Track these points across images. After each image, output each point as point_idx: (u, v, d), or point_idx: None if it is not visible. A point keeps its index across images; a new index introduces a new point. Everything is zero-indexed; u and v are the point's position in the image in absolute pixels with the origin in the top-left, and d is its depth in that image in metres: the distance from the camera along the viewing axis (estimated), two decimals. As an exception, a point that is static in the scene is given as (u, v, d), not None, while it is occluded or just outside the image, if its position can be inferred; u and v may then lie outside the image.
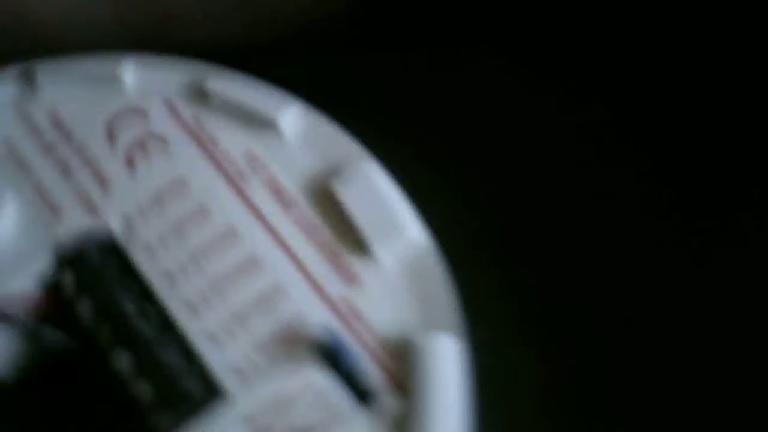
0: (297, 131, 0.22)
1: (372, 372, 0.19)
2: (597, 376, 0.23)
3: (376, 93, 0.26)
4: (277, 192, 0.21)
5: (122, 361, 0.20)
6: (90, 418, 0.21)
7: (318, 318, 0.20)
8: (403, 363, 0.19)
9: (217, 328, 0.20)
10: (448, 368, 0.18)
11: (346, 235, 0.21)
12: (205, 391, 0.19)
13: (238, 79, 0.23)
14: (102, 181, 0.22)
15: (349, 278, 0.20)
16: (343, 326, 0.19)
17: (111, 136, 0.23)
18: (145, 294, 0.20)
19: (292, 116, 0.22)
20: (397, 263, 0.20)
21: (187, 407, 0.19)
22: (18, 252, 0.21)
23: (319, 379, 0.19)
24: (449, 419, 0.18)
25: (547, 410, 0.22)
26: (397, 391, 0.19)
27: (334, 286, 0.20)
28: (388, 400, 0.18)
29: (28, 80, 0.23)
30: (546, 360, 0.24)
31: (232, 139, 0.22)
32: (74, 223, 0.21)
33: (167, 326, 0.20)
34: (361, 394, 0.19)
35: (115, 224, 0.21)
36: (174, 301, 0.20)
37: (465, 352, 0.19)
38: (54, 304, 0.21)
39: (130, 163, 0.22)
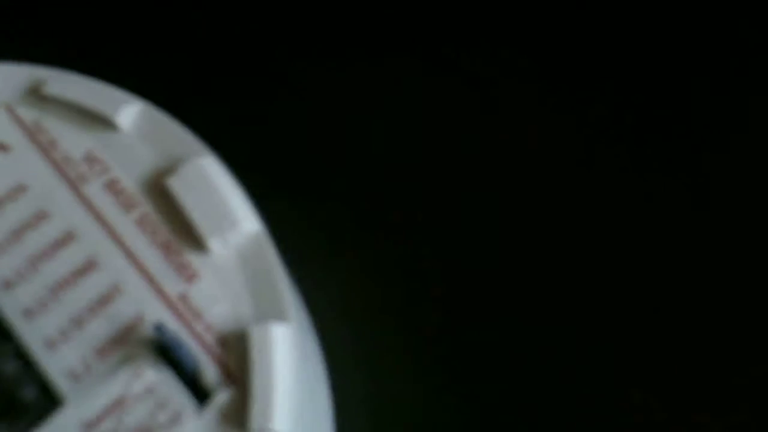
0: (136, 128, 0.22)
1: (209, 368, 0.19)
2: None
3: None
4: (117, 192, 0.21)
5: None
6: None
7: (156, 317, 0.20)
8: (238, 356, 0.19)
9: (55, 333, 0.20)
10: (278, 356, 0.18)
11: (183, 231, 0.21)
12: (43, 399, 0.19)
13: (78, 80, 0.23)
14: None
15: (188, 275, 0.20)
16: (181, 324, 0.19)
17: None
18: (-18, 303, 0.20)
19: (131, 113, 0.22)
20: (233, 255, 0.20)
21: (24, 416, 0.19)
22: None
23: (156, 380, 0.19)
24: (279, 405, 0.18)
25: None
26: (233, 385, 0.19)
27: (173, 284, 0.20)
28: (225, 395, 0.18)
29: None
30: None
31: (72, 141, 0.22)
32: None
33: (4, 334, 0.20)
34: (199, 392, 0.19)
35: (-49, 233, 0.21)
36: (10, 309, 0.20)
37: (298, 339, 0.19)
38: None
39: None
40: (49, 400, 0.19)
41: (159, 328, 0.19)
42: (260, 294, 0.20)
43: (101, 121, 0.22)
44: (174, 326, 0.19)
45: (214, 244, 0.20)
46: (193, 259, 0.20)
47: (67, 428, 0.19)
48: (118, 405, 0.19)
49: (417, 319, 0.23)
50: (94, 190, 0.21)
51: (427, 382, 0.23)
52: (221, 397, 0.19)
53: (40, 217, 0.21)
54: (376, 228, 0.24)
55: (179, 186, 0.21)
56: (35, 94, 0.23)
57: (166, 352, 0.19)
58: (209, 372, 0.19)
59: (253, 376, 0.18)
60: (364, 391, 0.21)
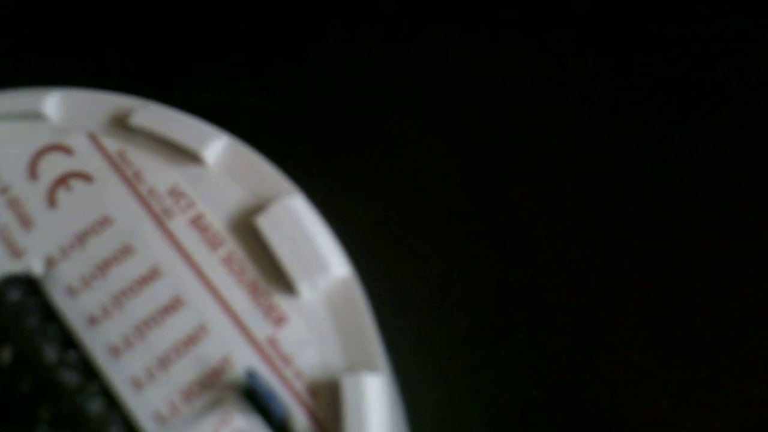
0: (222, 165, 0.22)
1: (299, 417, 0.19)
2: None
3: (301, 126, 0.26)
4: (203, 229, 0.21)
5: (43, 413, 0.19)
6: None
7: (245, 361, 0.19)
8: (328, 406, 0.19)
9: (141, 373, 0.19)
10: (370, 407, 0.18)
11: (271, 272, 0.20)
12: (129, 439, 0.19)
13: (164, 112, 0.23)
14: (24, 222, 0.21)
15: (276, 318, 0.20)
16: (270, 369, 0.19)
17: (33, 173, 0.22)
18: (67, 340, 0.20)
19: (218, 149, 0.22)
20: (323, 301, 0.20)
21: (110, 457, 0.18)
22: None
23: (245, 427, 0.18)
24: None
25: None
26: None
27: (261, 327, 0.20)
28: (313, 444, 0.18)
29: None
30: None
31: (157, 174, 0.22)
32: (-4, 265, 0.21)
33: (90, 373, 0.19)
34: (288, 437, 0.18)
35: (37, 266, 0.21)
36: (96, 346, 0.20)
37: (389, 388, 0.19)
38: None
39: (52, 201, 0.22)
40: (135, 443, 0.19)
41: (250, 375, 0.18)
42: (350, 341, 0.19)
43: (187, 155, 0.22)
44: (263, 371, 0.19)
45: (304, 288, 0.20)
46: (281, 301, 0.20)
47: (154, 473, 0.18)
48: (206, 451, 0.18)
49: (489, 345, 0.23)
50: (180, 225, 0.21)
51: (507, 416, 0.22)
52: (312, 448, 0.18)
53: (124, 251, 0.21)
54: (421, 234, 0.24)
55: (268, 225, 0.20)
56: (120, 125, 0.22)
57: (255, 399, 0.19)
58: (299, 421, 0.19)
59: (345, 428, 0.18)
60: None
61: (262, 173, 0.22)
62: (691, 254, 0.24)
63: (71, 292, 0.20)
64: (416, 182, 0.26)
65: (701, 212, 0.25)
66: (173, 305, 0.20)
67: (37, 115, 0.23)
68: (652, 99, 0.26)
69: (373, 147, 0.26)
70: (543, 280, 0.24)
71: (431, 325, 0.23)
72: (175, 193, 0.22)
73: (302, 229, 0.20)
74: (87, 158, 0.22)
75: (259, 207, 0.21)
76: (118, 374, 0.19)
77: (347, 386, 0.18)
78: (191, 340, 0.20)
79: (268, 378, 0.19)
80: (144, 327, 0.20)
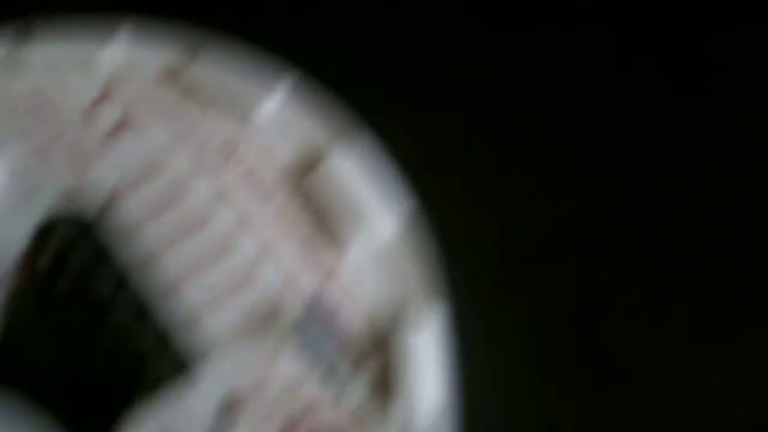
0: (277, 118, 0.22)
1: (347, 363, 0.19)
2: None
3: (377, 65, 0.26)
4: (255, 181, 0.22)
5: (98, 345, 0.20)
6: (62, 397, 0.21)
7: (294, 309, 0.20)
8: (378, 353, 0.19)
9: (193, 312, 0.20)
10: (421, 359, 0.19)
11: (322, 226, 0.21)
12: (181, 373, 0.19)
13: (221, 62, 0.23)
14: (80, 162, 0.22)
15: (325, 271, 0.20)
16: (319, 317, 0.20)
17: (92, 116, 0.23)
18: (120, 276, 0.20)
19: (273, 102, 0.22)
20: (372, 255, 0.20)
21: (162, 388, 0.19)
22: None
23: (295, 368, 0.19)
24: (425, 409, 0.18)
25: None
26: (373, 382, 0.19)
27: (310, 278, 0.20)
28: (359, 387, 0.19)
29: (15, 58, 0.23)
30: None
31: (212, 125, 0.22)
32: (52, 203, 0.21)
33: (143, 310, 0.20)
34: (338, 383, 0.19)
35: (92, 205, 0.21)
36: (149, 285, 0.20)
37: (441, 342, 0.19)
38: (29, 282, 0.21)
39: (109, 144, 0.22)
40: (188, 375, 0.19)
41: (301, 320, 0.19)
42: (400, 296, 0.20)
43: (242, 109, 0.22)
44: (314, 317, 0.19)
45: (354, 243, 0.20)
46: (330, 256, 0.21)
47: (206, 405, 0.19)
48: (257, 387, 0.19)
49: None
50: (233, 176, 0.22)
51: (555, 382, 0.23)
52: (360, 392, 0.19)
53: (177, 196, 0.21)
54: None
55: (320, 181, 0.21)
56: (177, 75, 0.23)
57: (305, 343, 0.19)
58: (348, 367, 0.19)
59: (396, 376, 0.19)
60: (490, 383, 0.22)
61: (318, 128, 0.22)
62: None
63: (125, 232, 0.21)
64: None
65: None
66: (224, 251, 0.21)
67: (96, 60, 0.23)
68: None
69: (451, 102, 0.26)
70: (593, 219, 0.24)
71: (487, 278, 0.24)
72: (229, 145, 0.22)
73: (354, 186, 0.21)
74: (144, 105, 0.23)
75: (311, 164, 0.21)
76: (171, 310, 0.20)
77: (398, 337, 0.19)
78: (242, 285, 0.20)
79: (319, 325, 0.19)
80: (196, 269, 0.21)
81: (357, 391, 0.19)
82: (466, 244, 0.21)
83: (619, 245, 0.24)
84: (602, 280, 0.24)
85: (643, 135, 0.25)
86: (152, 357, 0.19)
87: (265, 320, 0.20)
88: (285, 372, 0.19)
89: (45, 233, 0.21)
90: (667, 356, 0.24)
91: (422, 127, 0.25)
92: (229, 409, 0.19)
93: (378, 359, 0.19)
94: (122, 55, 0.23)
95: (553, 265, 0.24)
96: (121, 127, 0.22)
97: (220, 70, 0.23)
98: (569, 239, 0.25)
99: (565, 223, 0.25)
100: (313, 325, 0.19)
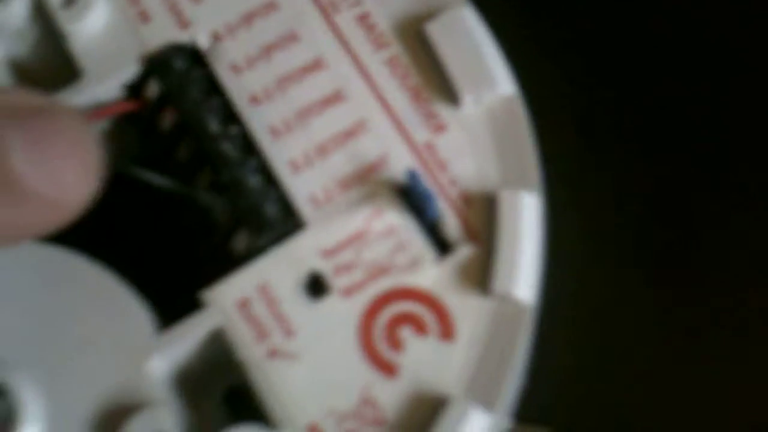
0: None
1: (451, 222, 0.19)
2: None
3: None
4: (369, 27, 0.21)
5: (201, 178, 0.20)
6: (160, 233, 0.21)
7: (401, 161, 0.20)
8: (482, 215, 0.19)
9: (299, 156, 0.20)
10: (526, 224, 0.18)
11: (436, 81, 0.20)
12: (285, 217, 0.19)
13: None
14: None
15: (435, 125, 0.20)
16: (425, 173, 0.19)
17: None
18: (228, 114, 0.20)
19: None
20: (485, 116, 0.20)
21: (265, 229, 0.19)
22: (105, 57, 0.21)
23: (398, 223, 0.19)
24: (524, 273, 0.18)
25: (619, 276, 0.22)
26: (475, 244, 0.19)
27: (420, 132, 0.20)
28: (466, 251, 0.19)
29: None
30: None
31: (326, -33, 0.22)
32: (163, 34, 0.21)
33: (249, 149, 0.20)
34: (440, 242, 0.19)
35: (203, 40, 0.21)
36: (257, 125, 0.20)
37: (542, 210, 0.19)
38: (135, 113, 0.21)
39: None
40: (290, 221, 0.19)
41: (411, 174, 0.19)
42: (508, 159, 0.20)
43: (358, -49, 0.21)
44: (419, 174, 0.19)
45: (467, 99, 0.20)
46: (442, 110, 0.20)
47: (307, 251, 0.19)
48: (357, 238, 0.19)
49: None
50: (346, 20, 0.21)
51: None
52: (462, 252, 0.19)
53: (289, 38, 0.21)
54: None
55: (437, 33, 0.20)
56: None
57: (410, 198, 0.19)
58: (450, 225, 0.19)
59: (500, 239, 0.18)
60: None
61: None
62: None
63: (235, 69, 0.21)
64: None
65: None
66: (334, 97, 0.20)
67: None
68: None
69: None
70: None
71: (588, 155, 0.23)
72: (343, -12, 0.21)
73: (473, 42, 0.20)
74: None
75: (429, 13, 0.21)
76: (277, 155, 0.20)
77: (504, 199, 0.19)
78: (350, 134, 0.20)
79: (425, 179, 0.19)
80: (305, 114, 0.20)
81: (459, 254, 0.19)
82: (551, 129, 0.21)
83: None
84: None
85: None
86: (256, 196, 0.19)
87: (370, 172, 0.20)
88: (386, 227, 0.19)
89: (156, 62, 0.21)
90: (752, 243, 0.23)
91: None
92: (327, 262, 0.19)
93: (482, 221, 0.19)
94: None
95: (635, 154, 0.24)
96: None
97: None
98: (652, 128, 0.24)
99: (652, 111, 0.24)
100: (417, 181, 0.19)
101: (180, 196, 0.20)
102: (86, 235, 0.19)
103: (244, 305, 0.19)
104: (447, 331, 0.18)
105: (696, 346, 0.22)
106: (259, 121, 0.20)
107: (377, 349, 0.18)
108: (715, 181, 0.23)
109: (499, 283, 0.18)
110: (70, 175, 0.15)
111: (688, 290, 0.22)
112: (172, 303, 0.19)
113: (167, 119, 0.21)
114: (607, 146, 0.23)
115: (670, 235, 0.23)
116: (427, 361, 0.18)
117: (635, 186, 0.23)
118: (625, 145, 0.23)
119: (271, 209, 0.19)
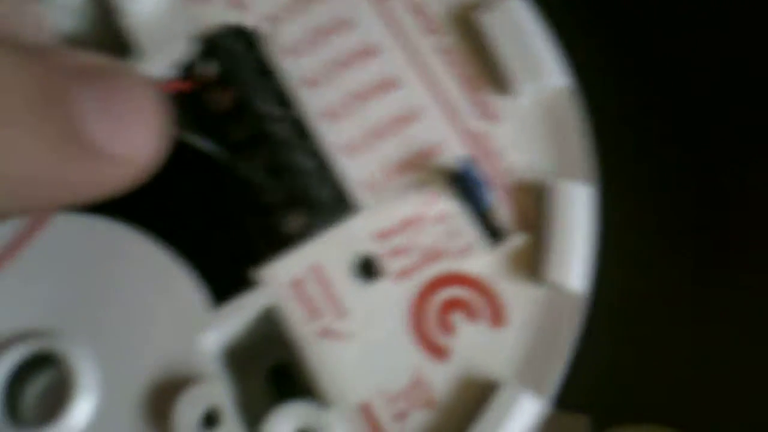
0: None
1: (503, 210, 0.19)
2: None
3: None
4: (422, 15, 0.21)
5: (254, 159, 0.20)
6: (214, 212, 0.21)
7: (453, 149, 0.20)
8: (533, 205, 0.19)
9: (352, 141, 0.20)
10: (579, 214, 0.19)
11: (489, 70, 0.21)
12: (338, 201, 0.20)
13: None
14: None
15: (488, 114, 0.20)
16: (478, 161, 0.20)
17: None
18: (282, 97, 0.21)
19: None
20: (538, 106, 0.20)
21: (317, 212, 0.19)
22: (159, 35, 0.21)
23: (451, 210, 0.19)
24: (576, 262, 0.18)
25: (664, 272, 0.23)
26: (527, 233, 0.19)
27: (472, 120, 0.20)
28: (518, 239, 0.19)
29: None
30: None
31: (381, -46, 0.22)
32: (218, 14, 0.21)
33: (302, 132, 0.20)
34: (492, 230, 0.19)
35: (259, 21, 0.21)
36: (311, 108, 0.20)
37: (595, 201, 0.19)
38: (188, 93, 0.21)
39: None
40: (343, 204, 0.20)
41: (464, 162, 0.19)
42: (561, 150, 0.20)
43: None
44: (472, 163, 0.19)
45: (521, 90, 0.20)
46: (495, 99, 0.20)
47: (361, 234, 0.19)
48: (411, 223, 0.19)
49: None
50: (400, 7, 0.21)
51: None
52: (514, 241, 0.19)
53: (343, 24, 0.21)
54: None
55: (491, 23, 0.21)
56: None
57: (463, 185, 0.19)
58: (502, 213, 0.19)
59: (553, 228, 0.19)
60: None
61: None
62: None
63: (290, 52, 0.21)
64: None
65: None
66: (388, 84, 0.21)
67: None
68: None
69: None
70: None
71: (636, 148, 0.24)
72: (397, -24, 0.22)
73: (527, 32, 0.21)
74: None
75: (481, 2, 0.21)
76: (331, 138, 0.20)
77: (558, 189, 0.19)
78: (403, 120, 0.20)
79: (478, 168, 0.20)
80: (358, 99, 0.21)
81: (511, 242, 0.19)
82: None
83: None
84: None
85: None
86: (309, 179, 0.20)
87: (422, 159, 0.20)
88: (439, 213, 0.19)
89: (212, 43, 0.21)
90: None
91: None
92: (380, 245, 0.19)
93: (534, 211, 0.19)
94: None
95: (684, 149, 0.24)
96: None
97: None
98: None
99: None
100: (471, 169, 0.19)
101: (234, 175, 0.20)
102: (142, 210, 0.19)
103: (297, 285, 0.19)
104: (498, 317, 0.19)
105: (737, 340, 0.22)
106: (313, 104, 0.20)
107: (428, 333, 0.19)
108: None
109: (551, 271, 0.18)
110: (139, 135, 0.15)
111: (735, 283, 0.23)
112: (223, 280, 0.20)
113: (221, 100, 0.21)
114: (656, 141, 0.24)
115: (716, 232, 0.23)
116: (478, 346, 0.18)
117: (683, 180, 0.23)
118: (675, 140, 0.24)
119: (324, 192, 0.20)
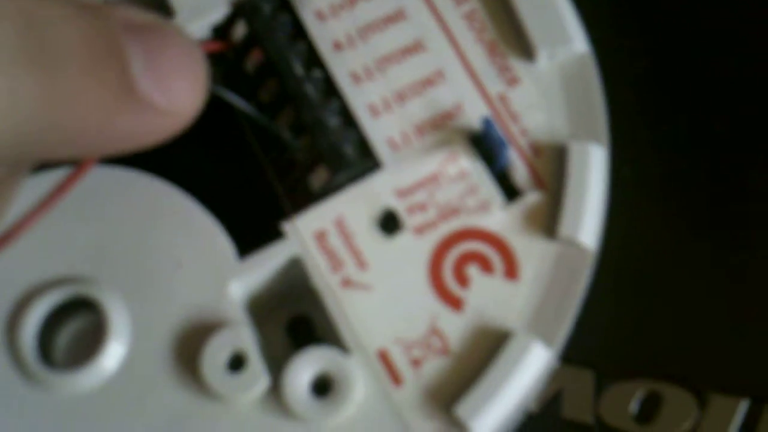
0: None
1: (521, 169, 0.20)
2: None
3: None
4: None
5: (283, 118, 0.21)
6: (242, 169, 0.22)
7: (475, 111, 0.21)
8: (550, 165, 0.20)
9: (378, 101, 0.21)
10: (593, 174, 0.19)
11: (511, 35, 0.21)
12: (362, 157, 0.20)
13: None
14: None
15: (509, 78, 0.21)
16: (498, 123, 0.20)
17: None
18: (312, 58, 0.21)
19: None
20: (558, 71, 0.21)
21: (343, 167, 0.20)
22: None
23: (470, 168, 0.20)
24: (588, 220, 0.19)
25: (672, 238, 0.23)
26: (543, 191, 0.20)
27: (494, 83, 0.21)
28: (534, 197, 0.20)
29: None
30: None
31: None
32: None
33: (330, 92, 0.21)
34: (509, 188, 0.20)
35: (289, -14, 0.22)
36: (339, 70, 0.21)
37: (608, 164, 0.20)
38: (221, 53, 0.22)
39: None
40: (366, 161, 0.20)
41: (486, 122, 0.20)
42: (578, 114, 0.20)
43: None
44: (492, 123, 0.20)
45: (542, 55, 0.21)
46: (516, 64, 0.21)
47: (383, 190, 0.20)
48: (431, 181, 0.20)
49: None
50: (426, -25, 0.22)
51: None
52: (530, 198, 0.20)
53: (371, -10, 0.22)
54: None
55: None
56: None
57: (483, 145, 0.20)
58: (520, 173, 0.20)
59: (567, 187, 0.19)
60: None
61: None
62: None
63: (320, 16, 0.22)
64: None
65: None
66: (414, 47, 0.21)
67: None
68: None
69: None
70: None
71: (644, 113, 0.24)
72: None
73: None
74: None
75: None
76: (357, 99, 0.21)
77: (574, 150, 0.20)
78: (428, 82, 0.21)
79: (498, 128, 0.20)
80: (385, 61, 0.21)
81: (527, 199, 0.20)
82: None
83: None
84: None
85: None
86: (335, 136, 0.20)
87: (444, 119, 0.21)
88: (459, 171, 0.20)
89: (244, 6, 0.22)
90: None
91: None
92: (401, 201, 0.20)
93: (550, 170, 0.20)
94: None
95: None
96: None
97: None
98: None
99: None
100: (492, 128, 0.20)
101: (263, 132, 0.21)
102: (174, 165, 0.20)
103: (321, 237, 0.20)
104: (512, 270, 0.19)
105: (742, 293, 0.22)
106: (341, 66, 0.21)
107: (445, 284, 0.19)
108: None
109: (564, 227, 0.19)
110: (182, 87, 0.16)
111: (734, 240, 0.23)
112: (249, 232, 0.20)
113: (252, 61, 0.22)
114: (665, 106, 0.24)
115: (719, 187, 0.23)
116: (492, 298, 0.19)
117: (687, 143, 0.24)
118: (684, 107, 0.24)
119: (349, 149, 0.20)
